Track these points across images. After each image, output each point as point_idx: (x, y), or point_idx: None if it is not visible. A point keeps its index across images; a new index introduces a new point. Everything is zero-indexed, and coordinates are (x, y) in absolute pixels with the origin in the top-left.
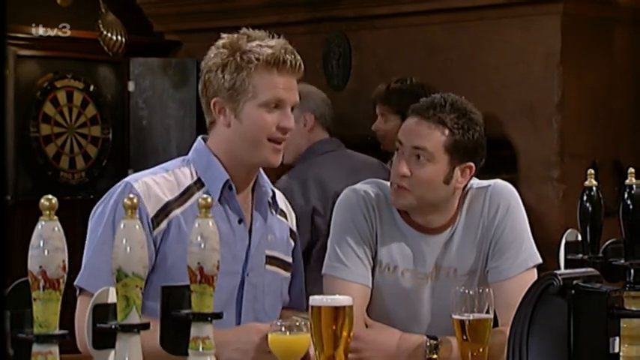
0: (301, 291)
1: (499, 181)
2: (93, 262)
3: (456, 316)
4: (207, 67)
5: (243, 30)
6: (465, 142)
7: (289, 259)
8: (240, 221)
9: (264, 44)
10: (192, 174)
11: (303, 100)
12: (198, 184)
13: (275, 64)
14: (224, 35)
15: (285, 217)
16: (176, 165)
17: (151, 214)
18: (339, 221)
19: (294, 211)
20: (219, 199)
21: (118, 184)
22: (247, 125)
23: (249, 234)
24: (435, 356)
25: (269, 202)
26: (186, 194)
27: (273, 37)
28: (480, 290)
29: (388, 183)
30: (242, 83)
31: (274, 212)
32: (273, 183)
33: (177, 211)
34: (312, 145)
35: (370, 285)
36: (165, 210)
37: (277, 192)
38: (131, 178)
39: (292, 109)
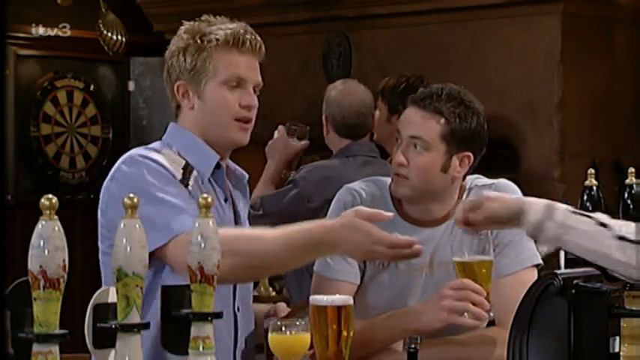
0: None
1: (503, 180)
2: (173, 204)
3: (456, 259)
4: (170, 53)
5: (205, 16)
6: (462, 130)
7: None
8: (225, 200)
9: (224, 27)
10: (178, 154)
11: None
12: (190, 165)
13: (234, 44)
14: (186, 22)
15: None
16: (158, 147)
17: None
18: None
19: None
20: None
21: (124, 157)
22: (210, 105)
23: (234, 213)
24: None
25: (246, 184)
26: (185, 172)
27: (234, 22)
28: (480, 232)
29: (388, 179)
30: (203, 63)
31: (250, 194)
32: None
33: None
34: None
35: (354, 281)
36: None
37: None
38: (134, 152)
39: (255, 90)
